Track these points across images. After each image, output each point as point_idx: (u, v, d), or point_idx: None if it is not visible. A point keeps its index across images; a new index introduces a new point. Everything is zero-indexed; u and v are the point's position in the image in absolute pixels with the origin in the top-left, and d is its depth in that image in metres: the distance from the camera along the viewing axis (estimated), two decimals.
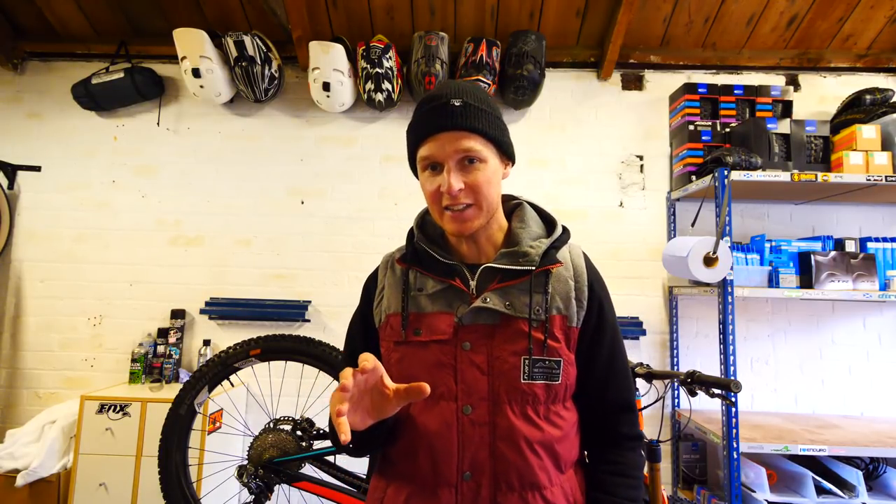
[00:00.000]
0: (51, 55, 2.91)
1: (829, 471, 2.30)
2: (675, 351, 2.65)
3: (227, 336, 2.70)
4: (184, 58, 2.54)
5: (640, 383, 1.66)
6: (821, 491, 2.18)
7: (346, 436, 0.64)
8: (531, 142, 2.80)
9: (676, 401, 2.64)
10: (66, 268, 2.78)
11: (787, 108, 2.62)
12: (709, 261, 2.14)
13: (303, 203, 2.80)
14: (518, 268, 0.87)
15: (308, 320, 2.70)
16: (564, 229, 0.95)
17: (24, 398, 2.72)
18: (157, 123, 2.85)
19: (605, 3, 2.61)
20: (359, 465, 1.90)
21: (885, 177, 2.26)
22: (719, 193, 2.21)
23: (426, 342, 0.87)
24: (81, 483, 2.24)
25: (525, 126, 2.83)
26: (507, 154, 0.91)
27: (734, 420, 2.09)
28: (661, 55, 2.82)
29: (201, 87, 2.59)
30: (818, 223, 2.74)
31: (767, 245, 2.46)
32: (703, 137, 2.58)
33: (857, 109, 2.51)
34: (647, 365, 1.64)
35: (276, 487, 1.82)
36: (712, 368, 2.60)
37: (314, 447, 1.84)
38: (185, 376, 2.54)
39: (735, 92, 2.62)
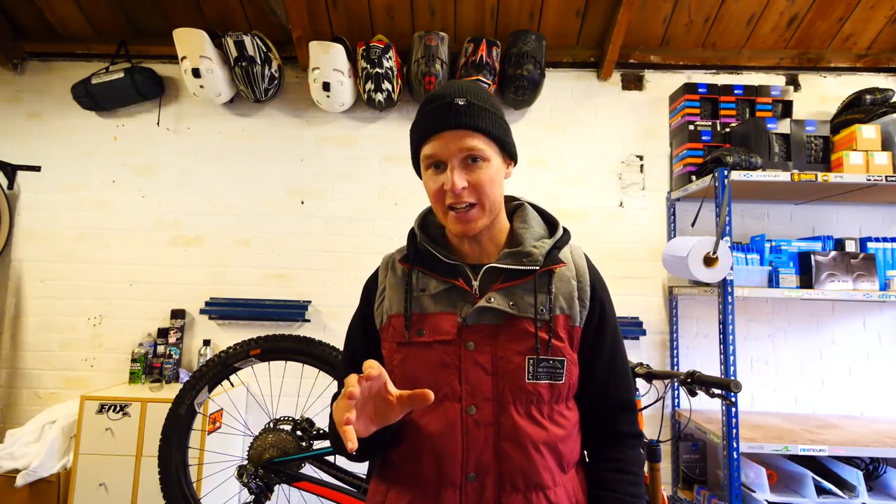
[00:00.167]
0: (51, 55, 2.91)
1: (829, 471, 2.30)
2: (675, 351, 2.65)
3: (227, 336, 2.70)
4: (184, 58, 2.54)
5: (640, 383, 1.67)
6: (821, 491, 2.18)
7: (353, 444, 0.64)
8: (531, 142, 2.80)
9: (676, 401, 2.64)
10: (66, 268, 2.78)
11: (787, 108, 2.62)
12: (709, 261, 2.14)
13: (303, 203, 2.80)
14: (522, 268, 0.87)
15: (308, 320, 2.70)
16: (565, 230, 0.96)
17: (24, 398, 2.72)
18: (157, 123, 2.85)
19: (605, 3, 2.61)
20: (359, 466, 1.90)
21: (885, 177, 2.26)
22: (719, 193, 2.21)
23: (430, 343, 0.86)
24: (81, 483, 2.24)
25: (525, 126, 2.83)
26: (509, 154, 0.91)
27: (734, 420, 2.09)
28: (661, 55, 2.82)
29: (201, 87, 2.59)
30: (818, 223, 2.74)
31: (767, 245, 2.46)
32: (703, 137, 2.58)
33: (857, 109, 2.51)
34: (647, 365, 1.64)
35: (276, 487, 1.82)
36: (712, 368, 2.60)
37: (314, 447, 1.84)
38: (185, 376, 2.54)
39: (735, 92, 2.62)
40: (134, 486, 2.23)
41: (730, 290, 2.18)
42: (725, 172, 2.21)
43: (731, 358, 2.16)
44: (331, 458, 1.83)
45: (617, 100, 2.84)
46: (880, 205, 2.73)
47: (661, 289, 2.72)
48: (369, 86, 2.57)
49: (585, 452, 0.96)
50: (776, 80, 2.83)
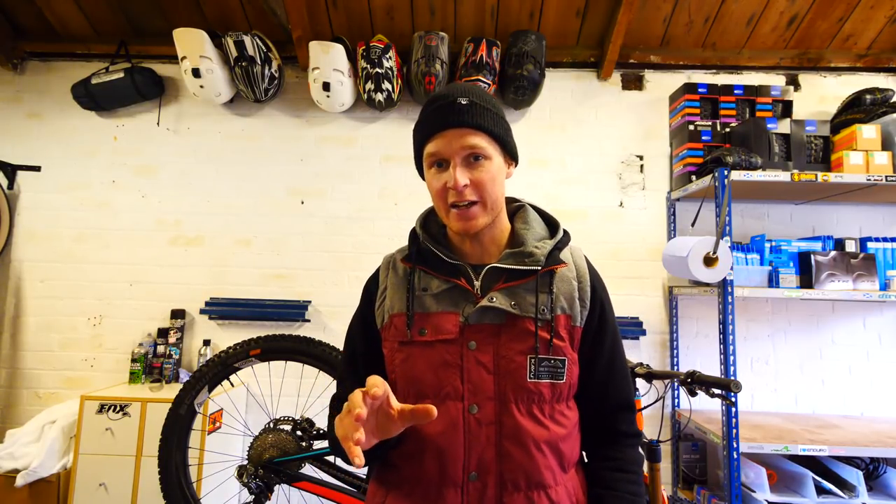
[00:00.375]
0: (51, 55, 2.91)
1: (829, 471, 2.30)
2: (675, 351, 2.65)
3: (227, 336, 2.70)
4: (184, 58, 2.54)
5: (640, 383, 1.67)
6: (821, 491, 2.18)
7: (360, 460, 0.64)
8: (531, 142, 2.80)
9: (676, 401, 2.64)
10: (66, 268, 2.78)
11: (787, 108, 2.62)
12: (709, 261, 2.14)
13: (303, 203, 2.80)
14: (524, 268, 0.88)
15: (308, 320, 2.70)
16: (565, 231, 0.97)
17: (24, 398, 2.72)
18: (157, 123, 2.85)
19: (605, 3, 2.61)
20: None
21: (885, 177, 2.26)
22: (719, 193, 2.21)
23: (432, 342, 0.87)
24: (81, 483, 2.24)
25: (525, 126, 2.83)
26: (510, 154, 0.92)
27: (734, 420, 2.09)
28: (661, 55, 2.82)
29: (201, 87, 2.59)
30: (818, 223, 2.74)
31: (767, 245, 2.46)
32: (703, 137, 2.58)
33: (857, 109, 2.51)
34: (647, 365, 1.64)
35: (276, 487, 1.82)
36: (712, 368, 2.60)
37: (314, 447, 1.84)
38: (185, 376, 2.54)
39: (735, 92, 2.62)
40: (134, 486, 2.23)
41: (730, 290, 2.18)
42: (725, 172, 2.21)
43: (731, 358, 2.16)
44: (331, 459, 1.83)
45: (617, 100, 2.84)
46: (880, 205, 2.73)
47: (661, 289, 2.72)
48: (369, 86, 2.57)
49: (584, 452, 0.96)
50: (776, 80, 2.83)
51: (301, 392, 2.62)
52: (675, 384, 2.56)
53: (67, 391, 2.70)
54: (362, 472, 1.81)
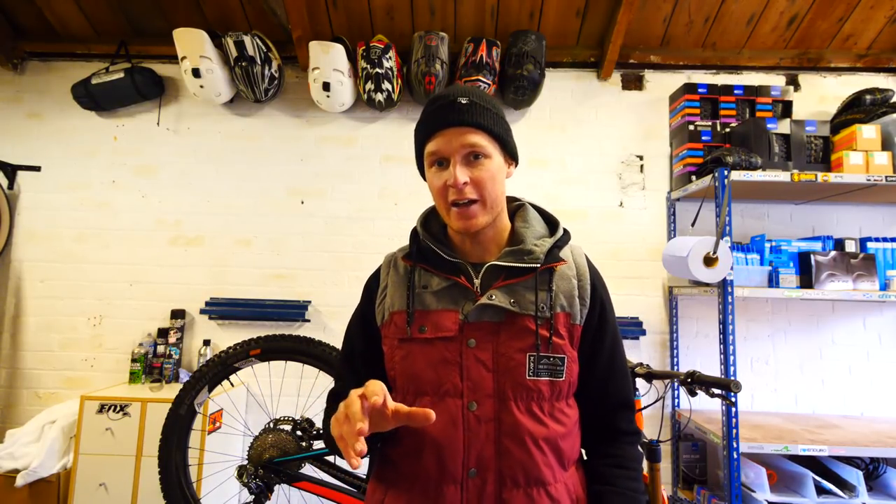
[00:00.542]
0: (51, 55, 2.91)
1: (829, 471, 2.30)
2: (675, 351, 2.65)
3: (227, 336, 2.70)
4: (184, 58, 2.54)
5: (640, 383, 1.67)
6: (821, 491, 2.18)
7: (357, 462, 0.65)
8: (531, 142, 2.80)
9: (676, 401, 2.64)
10: (66, 268, 2.78)
11: (787, 108, 2.62)
12: (709, 261, 2.14)
13: (303, 203, 2.80)
14: (523, 265, 0.88)
15: (308, 320, 2.70)
16: (565, 230, 0.97)
17: (24, 398, 2.72)
18: (157, 123, 2.85)
19: (605, 3, 2.61)
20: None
21: (885, 177, 2.26)
22: (719, 193, 2.21)
23: (431, 339, 0.87)
24: (81, 483, 2.24)
25: (525, 126, 2.83)
26: (510, 154, 0.93)
27: (734, 420, 2.09)
28: (661, 55, 2.82)
29: (201, 87, 2.59)
30: (818, 223, 2.74)
31: (767, 245, 2.46)
32: (703, 137, 2.58)
33: (857, 109, 2.51)
34: (647, 365, 1.64)
35: (276, 487, 1.82)
36: (712, 368, 2.60)
37: (314, 447, 1.84)
38: (185, 376, 2.54)
39: (735, 92, 2.62)
40: (134, 486, 2.23)
41: (730, 290, 2.18)
42: (725, 172, 2.21)
43: (731, 358, 2.16)
44: (331, 458, 1.83)
45: (617, 100, 2.84)
46: (880, 205, 2.73)
47: (661, 289, 2.72)
48: (369, 86, 2.57)
49: (584, 450, 0.97)
50: (776, 80, 2.83)
51: (301, 392, 2.62)
52: (675, 384, 2.56)
53: (67, 391, 2.70)
54: (362, 472, 1.81)
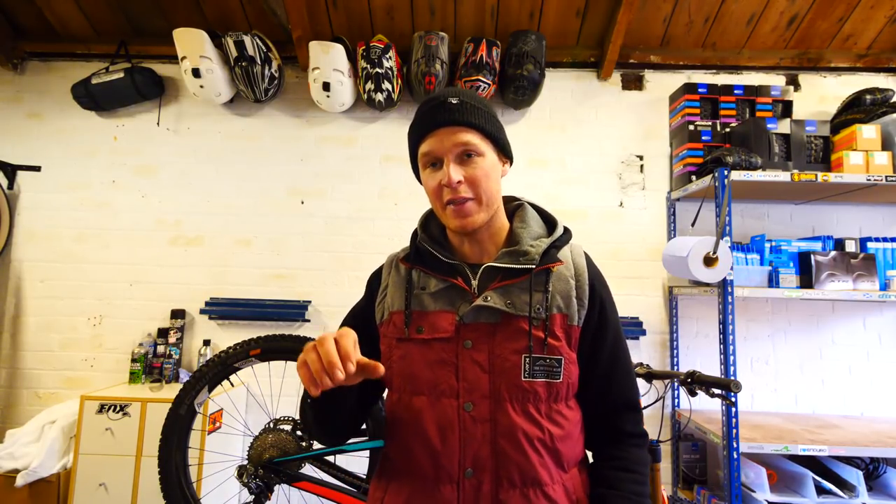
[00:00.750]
0: (51, 55, 2.91)
1: (829, 471, 2.30)
2: (675, 351, 2.65)
3: (227, 336, 2.70)
4: (184, 58, 2.54)
5: (641, 383, 1.66)
6: (821, 491, 2.18)
7: (315, 390, 0.70)
8: (531, 142, 2.80)
9: (676, 401, 2.64)
10: (66, 268, 2.78)
11: (787, 108, 2.62)
12: (709, 261, 2.14)
13: (303, 203, 2.80)
14: (518, 266, 0.88)
15: (308, 320, 2.70)
16: (566, 230, 0.97)
17: (24, 398, 2.72)
18: (157, 123, 2.85)
19: (605, 3, 2.61)
20: (359, 465, 1.90)
21: (885, 177, 2.26)
22: (719, 193, 2.21)
23: (428, 340, 0.88)
24: (81, 483, 2.24)
25: (525, 126, 2.83)
26: (504, 152, 0.93)
27: (734, 420, 2.09)
28: (661, 55, 2.82)
29: (201, 87, 2.59)
30: (818, 223, 2.73)
31: (767, 245, 2.46)
32: (703, 137, 2.58)
33: (857, 109, 2.51)
34: (647, 365, 1.64)
35: (276, 487, 1.82)
36: (712, 368, 2.60)
37: (314, 447, 1.84)
38: (185, 376, 2.54)
39: (735, 92, 2.62)
40: (134, 486, 2.23)
41: (730, 290, 2.18)
42: (725, 172, 2.21)
43: (731, 358, 2.16)
44: (331, 459, 1.83)
45: (617, 100, 2.84)
46: (880, 205, 2.73)
47: (661, 289, 2.72)
48: (369, 86, 2.57)
49: (590, 453, 0.96)
50: (776, 80, 2.83)
51: (301, 392, 2.62)
52: (675, 384, 2.56)
53: (67, 391, 2.70)
54: (362, 472, 1.81)
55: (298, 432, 1.87)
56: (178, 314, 2.69)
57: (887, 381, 2.64)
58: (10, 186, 2.81)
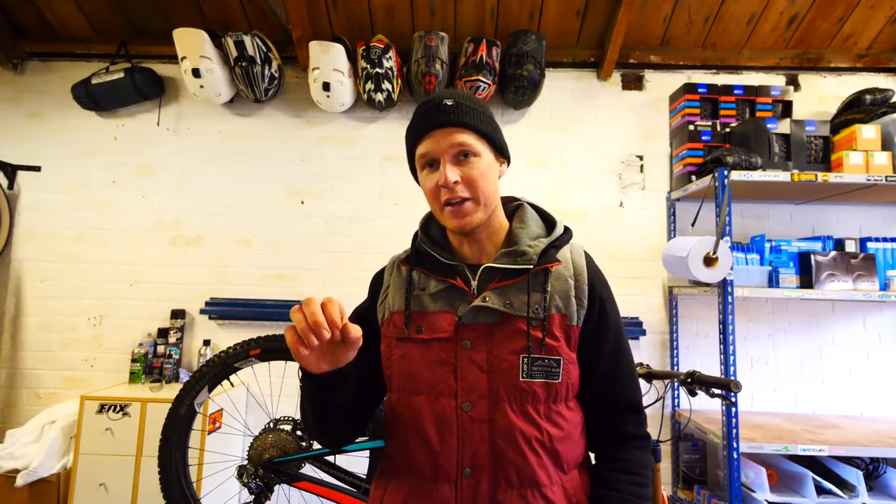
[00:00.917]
0: (51, 55, 2.91)
1: (829, 471, 2.30)
2: (675, 351, 2.65)
3: (227, 336, 2.70)
4: (184, 58, 2.54)
5: (641, 383, 1.66)
6: (821, 491, 2.18)
7: (305, 351, 0.72)
8: (531, 142, 2.80)
9: (676, 401, 2.64)
10: (66, 268, 2.78)
11: (787, 108, 2.61)
12: (709, 261, 2.14)
13: (303, 203, 2.80)
14: (516, 266, 0.88)
15: None
16: (566, 229, 0.97)
17: (24, 398, 2.72)
18: (157, 123, 2.85)
19: (605, 3, 2.61)
20: (359, 465, 1.90)
21: (885, 177, 2.26)
22: (719, 193, 2.21)
23: (427, 340, 0.88)
24: (81, 483, 2.24)
25: (525, 126, 2.83)
26: (500, 152, 0.94)
27: (734, 420, 2.09)
28: (661, 55, 2.82)
29: (201, 87, 2.59)
30: (818, 223, 2.73)
31: (767, 245, 2.46)
32: (703, 137, 2.58)
33: (857, 109, 2.51)
34: (647, 365, 1.64)
35: (276, 487, 1.82)
36: (712, 368, 2.60)
37: (314, 447, 1.84)
38: (185, 376, 2.54)
39: (735, 92, 2.62)
40: (134, 486, 2.23)
41: (730, 290, 2.18)
42: (725, 172, 2.21)
43: (731, 358, 2.16)
44: (331, 459, 1.83)
45: (617, 100, 2.84)
46: (880, 205, 2.73)
47: (661, 289, 2.72)
48: (369, 86, 2.57)
49: (592, 455, 0.96)
50: (776, 80, 2.83)
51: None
52: (675, 384, 2.56)
53: (67, 391, 2.70)
54: (362, 472, 1.81)
55: (298, 432, 1.87)
56: (178, 314, 2.69)
57: (887, 381, 2.64)
58: (11, 186, 2.81)
